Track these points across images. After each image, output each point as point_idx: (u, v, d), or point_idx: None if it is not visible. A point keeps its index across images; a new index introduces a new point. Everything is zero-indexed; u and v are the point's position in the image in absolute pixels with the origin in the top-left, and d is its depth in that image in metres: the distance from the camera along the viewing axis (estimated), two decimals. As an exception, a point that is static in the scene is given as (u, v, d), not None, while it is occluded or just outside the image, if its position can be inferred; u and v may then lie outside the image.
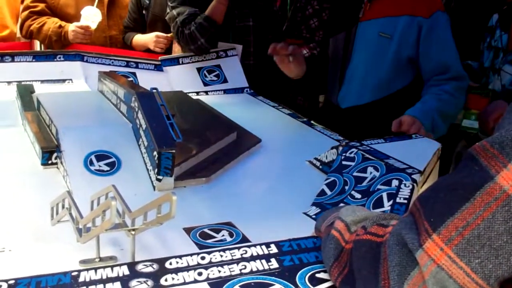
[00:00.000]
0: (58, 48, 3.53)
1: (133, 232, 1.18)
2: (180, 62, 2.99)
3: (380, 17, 2.41)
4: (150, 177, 1.68)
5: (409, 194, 1.46)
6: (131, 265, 1.09)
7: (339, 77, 2.55)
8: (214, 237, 1.39)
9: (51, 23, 3.58)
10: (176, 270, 1.08)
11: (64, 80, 2.76)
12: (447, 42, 2.39)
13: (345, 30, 2.50)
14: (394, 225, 0.91)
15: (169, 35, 3.41)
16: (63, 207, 1.33)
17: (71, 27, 3.50)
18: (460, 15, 2.97)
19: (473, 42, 2.92)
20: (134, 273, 1.06)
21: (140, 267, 1.08)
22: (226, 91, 2.87)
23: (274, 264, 1.11)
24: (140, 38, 3.58)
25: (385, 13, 2.40)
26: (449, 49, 2.40)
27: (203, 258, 1.12)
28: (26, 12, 3.68)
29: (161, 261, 1.10)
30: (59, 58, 2.86)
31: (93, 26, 3.51)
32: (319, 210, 1.56)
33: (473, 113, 2.64)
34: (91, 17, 3.51)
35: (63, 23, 3.57)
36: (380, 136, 1.89)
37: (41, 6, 3.66)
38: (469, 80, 2.52)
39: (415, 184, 1.49)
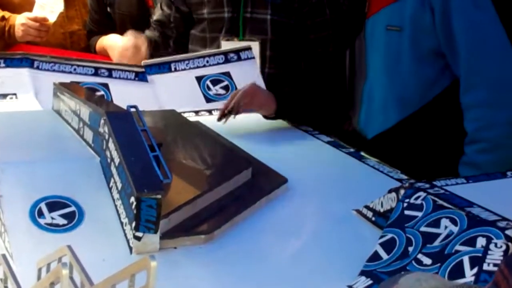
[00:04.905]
0: (0, 49, 3.57)
1: (95, 314, 1.18)
2: (172, 69, 3.00)
3: (385, 5, 2.47)
4: (125, 234, 1.69)
5: (501, 258, 1.45)
6: None
7: (360, 97, 2.63)
8: (216, 321, 1.39)
9: (-11, 15, 3.63)
10: None
11: (5, 96, 2.78)
12: (478, 27, 2.40)
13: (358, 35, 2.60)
14: (475, 302, 0.91)
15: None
16: (-3, 277, 1.34)
17: (19, 19, 3.52)
18: None
19: None
20: None
21: None
22: (238, 110, 2.88)
23: None
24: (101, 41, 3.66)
25: None
26: (483, 39, 2.40)
27: None
28: None
29: None
30: (-1, 63, 2.90)
31: (52, 18, 3.53)
32: (370, 281, 1.56)
33: None
34: (50, 5, 3.53)
35: (6, 14, 3.59)
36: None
37: None
38: None
39: (510, 244, 1.48)
